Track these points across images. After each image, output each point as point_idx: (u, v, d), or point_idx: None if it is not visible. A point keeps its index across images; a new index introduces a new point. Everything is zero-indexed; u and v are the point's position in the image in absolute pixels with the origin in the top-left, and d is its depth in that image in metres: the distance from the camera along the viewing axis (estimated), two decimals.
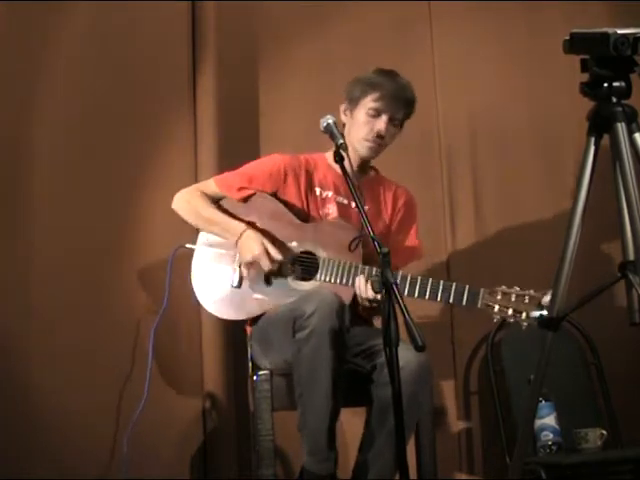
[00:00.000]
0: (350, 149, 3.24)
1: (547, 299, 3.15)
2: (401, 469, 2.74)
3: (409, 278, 3.28)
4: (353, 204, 3.47)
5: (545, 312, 3.14)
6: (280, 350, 3.26)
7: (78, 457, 3.68)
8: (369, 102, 3.44)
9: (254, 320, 3.44)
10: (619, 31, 2.58)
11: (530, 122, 4.28)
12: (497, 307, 3.22)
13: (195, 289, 3.46)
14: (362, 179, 3.48)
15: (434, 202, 4.22)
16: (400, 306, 2.70)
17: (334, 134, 3.20)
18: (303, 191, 3.49)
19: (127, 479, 3.64)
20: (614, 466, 3.88)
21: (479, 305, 3.24)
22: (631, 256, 2.69)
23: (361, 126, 3.45)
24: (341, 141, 3.15)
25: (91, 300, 3.78)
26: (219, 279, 3.43)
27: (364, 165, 3.54)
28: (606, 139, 2.69)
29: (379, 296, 3.18)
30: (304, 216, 3.47)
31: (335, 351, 3.11)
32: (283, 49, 4.13)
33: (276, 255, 3.34)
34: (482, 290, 3.25)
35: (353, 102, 3.47)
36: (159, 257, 3.72)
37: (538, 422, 3.84)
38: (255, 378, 3.31)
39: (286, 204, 3.47)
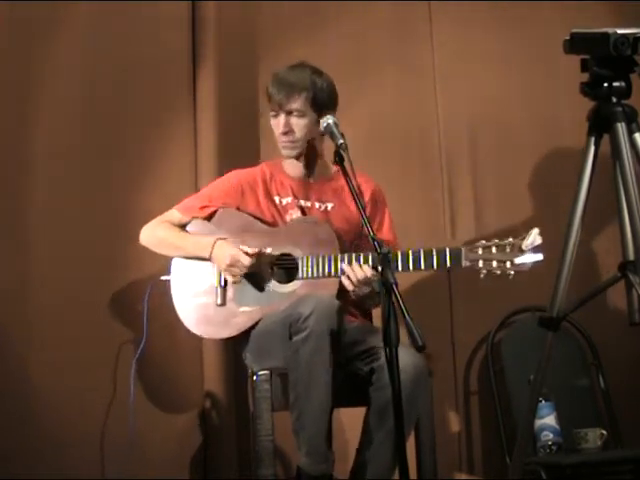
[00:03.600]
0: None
1: (527, 242, 3.17)
2: (401, 469, 2.74)
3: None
4: (317, 204, 3.49)
5: (529, 256, 3.16)
6: (276, 356, 3.25)
7: (77, 457, 3.68)
8: (269, 107, 3.45)
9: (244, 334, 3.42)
10: (619, 31, 2.59)
11: (530, 122, 4.28)
12: (481, 262, 3.23)
13: (182, 318, 3.45)
14: (318, 179, 3.49)
15: (434, 202, 4.22)
16: (400, 306, 2.70)
17: (334, 134, 3.20)
18: (263, 203, 3.48)
19: (127, 479, 3.64)
20: (614, 466, 3.88)
21: (463, 264, 3.24)
22: (631, 256, 2.70)
23: (273, 130, 3.46)
24: (341, 141, 3.15)
25: (90, 302, 3.77)
26: (202, 302, 3.42)
27: (313, 164, 3.51)
28: (606, 139, 2.69)
29: (370, 274, 3.20)
30: (269, 223, 3.46)
31: (332, 353, 3.10)
32: (283, 49, 4.13)
33: (250, 250, 3.34)
34: (463, 249, 3.24)
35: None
36: (159, 258, 3.71)
37: (538, 422, 3.84)
38: (255, 378, 3.30)
39: (250, 215, 3.47)
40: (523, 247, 3.18)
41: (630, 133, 2.67)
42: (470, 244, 3.25)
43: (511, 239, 3.22)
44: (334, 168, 3.53)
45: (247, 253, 3.34)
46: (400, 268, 3.25)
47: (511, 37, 4.30)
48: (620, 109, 2.66)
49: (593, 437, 3.86)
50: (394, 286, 2.72)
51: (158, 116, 3.97)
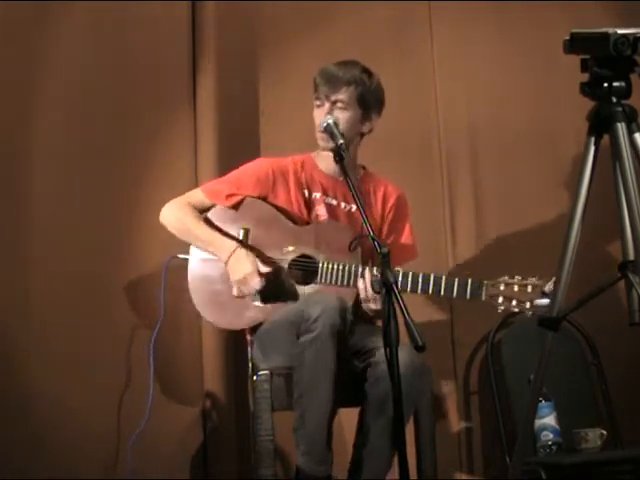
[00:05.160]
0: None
1: (551, 286, 3.16)
2: (401, 469, 2.74)
3: (411, 275, 3.27)
4: (342, 204, 3.49)
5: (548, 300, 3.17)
6: (283, 354, 3.26)
7: (79, 458, 3.67)
8: (314, 96, 3.45)
9: (254, 327, 3.43)
10: (619, 31, 2.58)
11: (530, 122, 4.28)
12: (501, 298, 3.24)
13: (194, 301, 3.44)
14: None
15: (434, 202, 4.22)
16: (400, 306, 2.70)
17: (334, 134, 3.21)
18: (292, 194, 3.47)
19: (127, 479, 3.64)
20: (614, 466, 3.88)
21: (483, 298, 3.24)
22: (631, 256, 2.69)
23: (314, 121, 3.44)
24: (341, 141, 3.15)
25: (91, 302, 3.76)
26: (217, 289, 3.42)
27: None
28: (606, 139, 2.69)
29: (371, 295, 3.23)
30: (295, 219, 3.46)
31: (337, 354, 3.11)
32: (283, 49, 4.13)
33: (267, 273, 3.34)
34: (485, 282, 3.24)
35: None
36: (160, 258, 3.71)
37: (538, 422, 3.84)
38: (255, 378, 3.30)
39: (277, 208, 3.46)
40: (546, 289, 3.19)
41: (630, 133, 2.66)
42: (492, 279, 3.25)
43: (534, 279, 3.22)
44: (361, 171, 3.53)
45: (262, 274, 3.32)
46: (419, 290, 3.27)
47: (511, 37, 4.30)
48: (620, 109, 2.66)
49: (593, 437, 3.85)
50: (394, 286, 2.73)
51: (158, 116, 3.96)
